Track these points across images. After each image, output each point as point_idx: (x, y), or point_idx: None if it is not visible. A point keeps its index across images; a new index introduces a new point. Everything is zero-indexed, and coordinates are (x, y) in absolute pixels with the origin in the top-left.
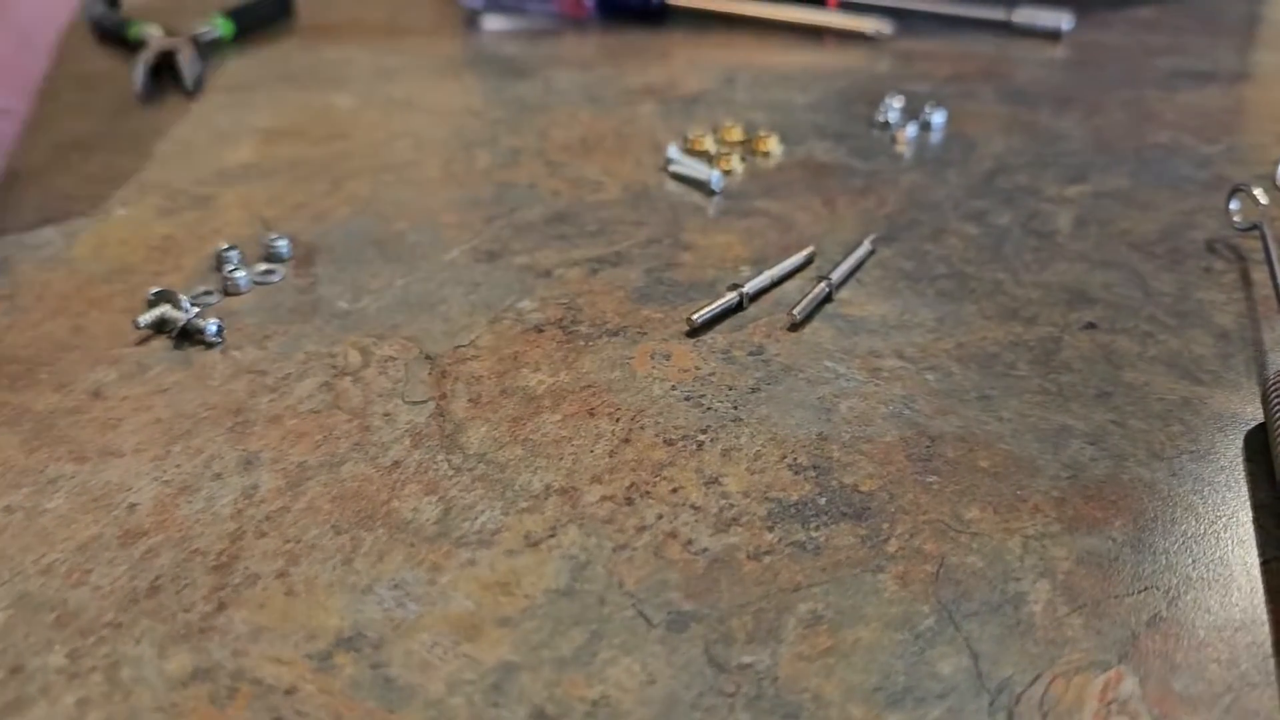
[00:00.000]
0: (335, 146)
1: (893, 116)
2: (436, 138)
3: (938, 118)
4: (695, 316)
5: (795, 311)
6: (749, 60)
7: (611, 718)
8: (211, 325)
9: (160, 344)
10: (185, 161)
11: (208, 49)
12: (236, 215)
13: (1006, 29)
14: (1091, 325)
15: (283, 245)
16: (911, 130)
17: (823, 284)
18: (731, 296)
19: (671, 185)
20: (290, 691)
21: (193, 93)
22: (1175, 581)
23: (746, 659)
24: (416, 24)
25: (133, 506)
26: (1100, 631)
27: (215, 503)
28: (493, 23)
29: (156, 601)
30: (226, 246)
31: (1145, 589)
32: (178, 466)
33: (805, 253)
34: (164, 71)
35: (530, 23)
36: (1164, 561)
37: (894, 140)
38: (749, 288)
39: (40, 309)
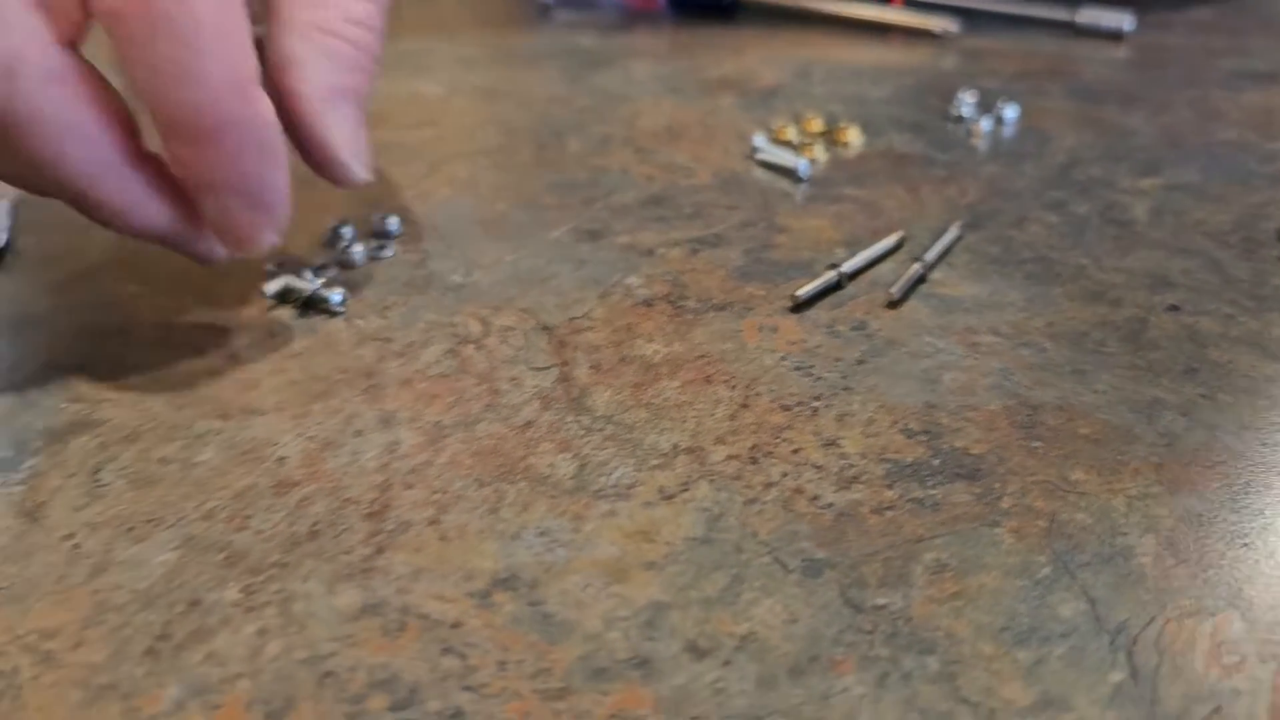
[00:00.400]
0: (427, 132)
1: (966, 110)
2: (525, 124)
3: (1010, 112)
4: (799, 293)
5: (894, 290)
6: (820, 55)
7: (760, 651)
8: (336, 295)
9: (285, 313)
10: (286, 145)
11: None
12: (340, 195)
13: (1069, 29)
14: (1174, 308)
15: (393, 222)
16: (986, 124)
17: (916, 264)
18: (831, 275)
19: (759, 172)
20: (456, 625)
21: None
22: (1274, 539)
23: (880, 601)
24: (490, 17)
25: (281, 459)
26: (1206, 581)
27: (360, 457)
28: (563, 15)
29: (317, 545)
30: (339, 223)
31: (1245, 545)
32: (319, 424)
33: (896, 236)
34: None
35: (601, 16)
36: (1260, 521)
37: (969, 133)
38: (846, 267)
39: (166, 280)
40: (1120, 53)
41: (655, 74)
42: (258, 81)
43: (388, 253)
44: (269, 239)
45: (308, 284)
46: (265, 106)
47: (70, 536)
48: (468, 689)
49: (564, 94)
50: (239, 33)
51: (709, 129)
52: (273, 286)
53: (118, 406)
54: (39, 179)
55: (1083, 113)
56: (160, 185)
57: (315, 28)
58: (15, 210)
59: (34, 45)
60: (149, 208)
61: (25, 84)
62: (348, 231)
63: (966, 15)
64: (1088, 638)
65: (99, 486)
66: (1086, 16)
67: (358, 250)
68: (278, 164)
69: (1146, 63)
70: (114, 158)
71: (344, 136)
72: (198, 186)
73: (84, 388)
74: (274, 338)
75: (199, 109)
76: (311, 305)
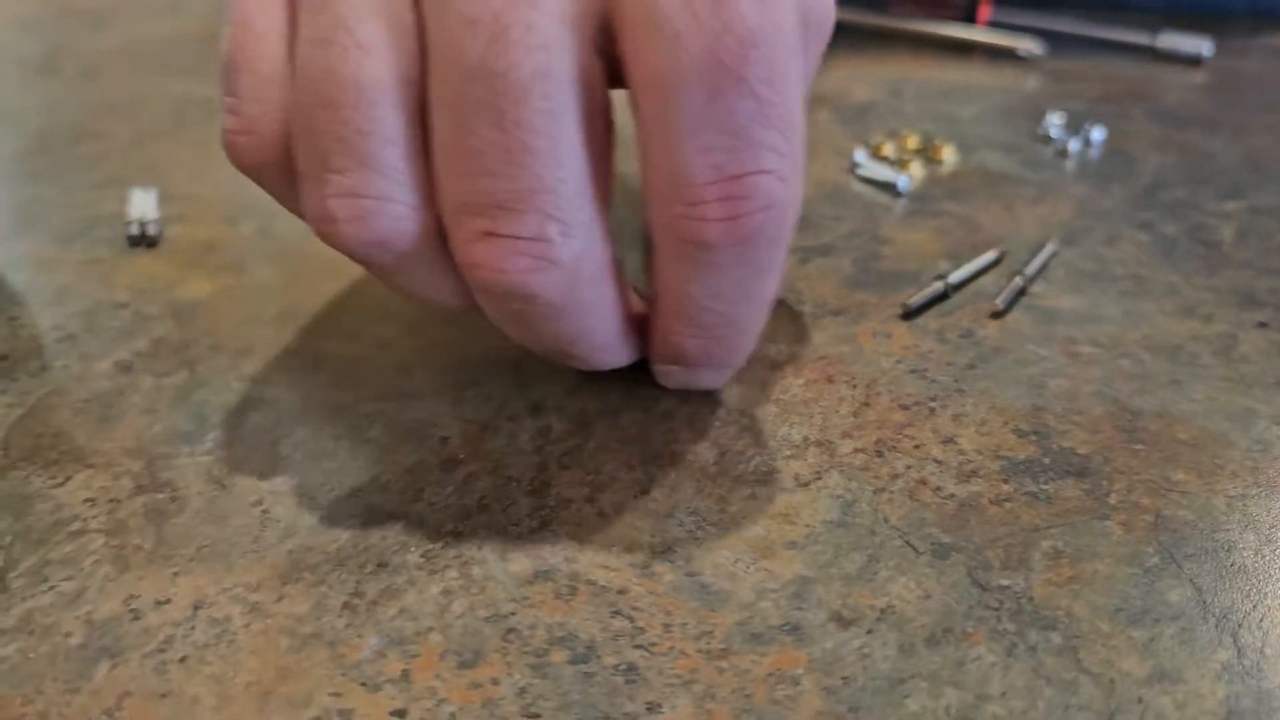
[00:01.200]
0: None
1: (1055, 132)
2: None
3: (1097, 134)
4: (910, 302)
5: (998, 301)
6: (909, 74)
7: (899, 622)
8: None
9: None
10: None
11: None
12: None
13: (1149, 53)
14: (1263, 324)
15: None
16: (1075, 145)
17: (1018, 278)
18: (938, 286)
19: (859, 186)
20: (622, 591)
21: None
22: None
23: (1004, 582)
24: None
25: (444, 440)
26: None
27: (516, 439)
28: None
29: (487, 517)
30: None
31: None
32: (475, 408)
33: (996, 251)
34: None
35: None
36: None
37: (1059, 153)
38: (953, 279)
39: (312, 270)
40: (1199, 77)
41: None
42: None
43: None
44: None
45: None
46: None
47: (259, 502)
48: (639, 647)
49: None
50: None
51: (810, 143)
52: None
53: (283, 387)
54: (539, 343)
55: (1165, 136)
56: (636, 332)
57: None
58: (160, 198)
59: (596, 245)
60: (624, 353)
61: (587, 278)
62: None
63: (1049, 37)
64: (1196, 620)
65: (279, 459)
66: (1166, 41)
67: None
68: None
69: (1225, 87)
70: (620, 327)
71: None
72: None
73: (249, 369)
74: (422, 327)
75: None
76: None
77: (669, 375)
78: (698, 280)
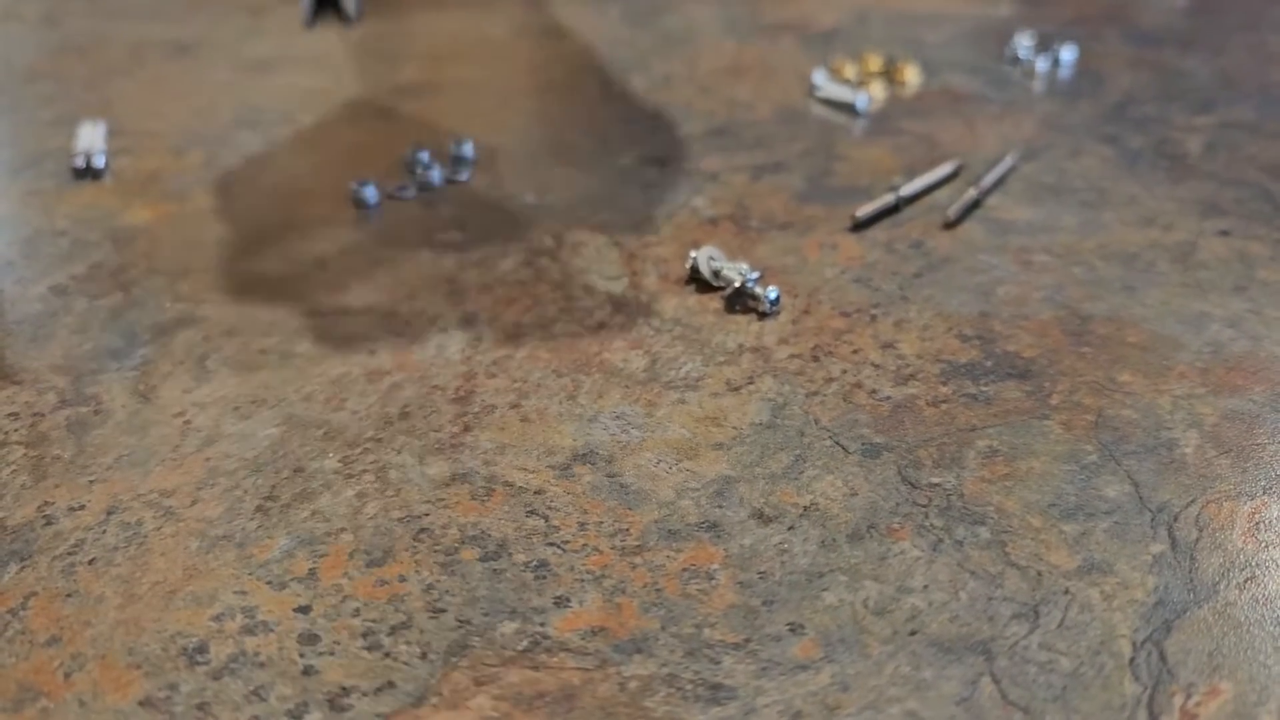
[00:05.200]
0: (496, 68)
1: (1024, 52)
2: (590, 63)
3: (1067, 54)
4: (858, 213)
5: (950, 211)
6: (877, 1)
7: (822, 519)
8: (408, 192)
9: (369, 228)
10: (360, 79)
11: None
12: (416, 125)
13: None
14: (1225, 232)
15: (468, 148)
16: (1043, 65)
17: (972, 189)
18: (889, 197)
19: (819, 108)
20: (539, 492)
21: (353, 20)
22: None
23: (935, 480)
24: None
25: (372, 351)
26: (1245, 471)
27: (445, 350)
28: None
29: (409, 424)
30: (417, 148)
31: None
32: (406, 323)
33: (952, 164)
34: (326, 1)
35: None
36: None
37: (1026, 74)
38: (904, 191)
39: (255, 197)
40: (1179, 0)
41: (715, 17)
42: None
43: (464, 176)
44: None
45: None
46: None
47: (181, 414)
48: (551, 544)
49: (626, 35)
50: None
51: (769, 68)
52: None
53: (216, 306)
54: None
55: (1139, 56)
56: None
57: None
58: (109, 134)
59: None
60: None
61: None
62: (424, 156)
63: None
64: (1130, 515)
65: (205, 373)
66: None
67: (435, 173)
68: None
69: (1204, 9)
70: None
71: None
72: None
73: (185, 289)
74: (359, 248)
75: None
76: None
77: None
78: None
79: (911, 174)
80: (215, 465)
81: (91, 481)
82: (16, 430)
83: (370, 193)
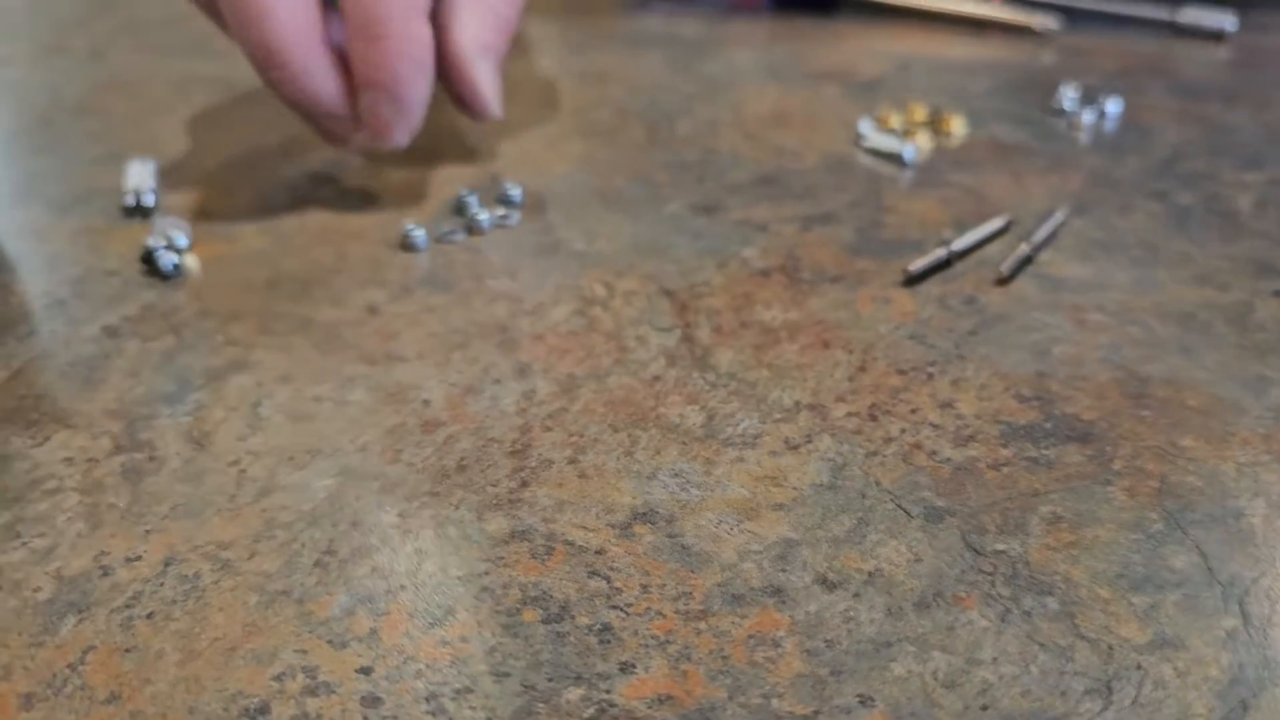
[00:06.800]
0: (540, 111)
1: (1069, 104)
2: (635, 107)
3: (1113, 106)
4: (911, 268)
5: (1003, 267)
6: (919, 50)
7: (887, 586)
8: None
9: (419, 272)
10: None
11: None
12: (462, 167)
13: (1170, 29)
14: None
15: (516, 192)
16: (1088, 117)
17: (1024, 245)
18: (940, 252)
19: (864, 158)
20: (600, 552)
21: None
22: None
23: (1000, 546)
24: (589, 4)
25: (426, 402)
26: None
27: (500, 402)
28: (660, 7)
29: (465, 477)
30: (466, 191)
31: None
32: (459, 372)
33: (1003, 219)
34: None
35: (698, 8)
36: None
37: (1071, 126)
38: (956, 245)
39: (303, 237)
40: (1221, 53)
41: (758, 63)
42: (426, 12)
43: (512, 220)
44: (400, 138)
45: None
46: (427, 30)
47: (236, 462)
48: (614, 607)
49: (670, 80)
50: None
51: (814, 116)
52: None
53: (269, 350)
54: (245, 32)
55: (1184, 109)
56: (334, 67)
57: None
58: (159, 171)
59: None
60: (322, 79)
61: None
62: (473, 200)
63: (1066, 13)
64: (1201, 587)
65: (259, 420)
66: (1188, 16)
67: (484, 217)
68: (424, 78)
69: (1248, 62)
70: (308, 28)
71: (487, 79)
72: (362, 80)
73: (237, 332)
74: (409, 294)
75: (382, 17)
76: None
77: (366, 121)
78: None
79: (961, 227)
80: (272, 517)
81: (148, 531)
82: (71, 476)
83: (421, 237)
